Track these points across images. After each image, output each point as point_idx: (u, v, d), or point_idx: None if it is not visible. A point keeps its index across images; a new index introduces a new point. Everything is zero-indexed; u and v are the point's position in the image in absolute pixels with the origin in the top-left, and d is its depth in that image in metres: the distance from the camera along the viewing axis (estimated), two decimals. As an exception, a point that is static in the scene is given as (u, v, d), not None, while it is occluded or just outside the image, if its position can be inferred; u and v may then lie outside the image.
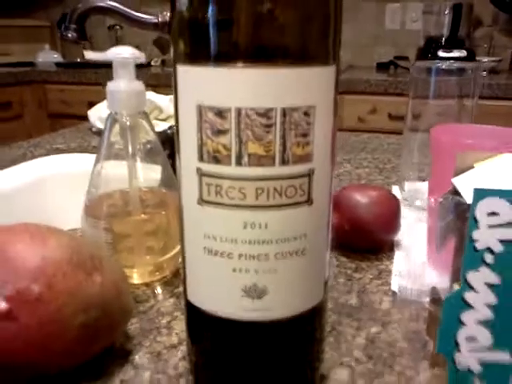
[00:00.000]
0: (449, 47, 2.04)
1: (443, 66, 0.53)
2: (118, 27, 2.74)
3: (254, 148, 0.22)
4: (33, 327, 0.26)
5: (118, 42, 2.69)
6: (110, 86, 0.40)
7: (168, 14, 0.59)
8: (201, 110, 0.22)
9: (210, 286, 0.25)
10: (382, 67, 2.28)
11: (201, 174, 0.23)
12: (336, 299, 0.40)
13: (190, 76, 0.22)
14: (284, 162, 0.22)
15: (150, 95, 0.90)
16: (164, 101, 0.90)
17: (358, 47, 2.42)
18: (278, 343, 0.26)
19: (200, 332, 0.28)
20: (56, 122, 2.48)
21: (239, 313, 0.25)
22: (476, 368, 0.24)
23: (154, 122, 0.87)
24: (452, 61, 0.55)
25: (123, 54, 0.39)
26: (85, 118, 1.22)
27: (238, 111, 0.21)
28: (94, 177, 0.42)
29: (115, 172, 0.42)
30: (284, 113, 0.22)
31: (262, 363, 0.27)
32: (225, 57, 0.21)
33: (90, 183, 0.43)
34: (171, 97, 0.79)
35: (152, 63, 2.50)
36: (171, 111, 0.92)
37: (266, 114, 0.21)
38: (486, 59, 2.03)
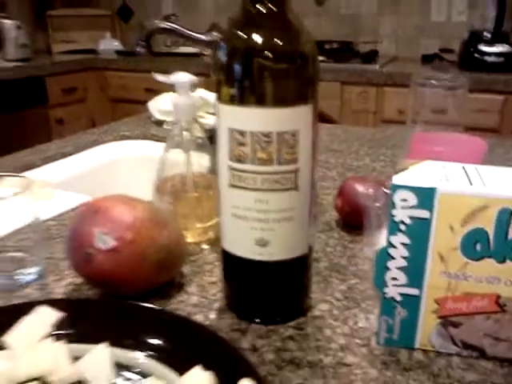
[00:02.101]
0: (492, 41, 2.08)
1: (435, 83, 0.66)
2: (173, 17, 2.91)
3: (261, 154, 0.37)
4: (129, 258, 0.43)
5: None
6: (175, 100, 0.56)
7: (214, 34, 0.75)
8: (231, 131, 0.38)
9: (235, 238, 0.41)
10: (426, 59, 2.33)
11: (230, 168, 0.39)
12: (331, 260, 0.55)
13: (225, 110, 0.38)
14: (279, 163, 0.38)
15: (201, 92, 1.06)
16: (212, 97, 1.06)
17: (402, 39, 2.47)
18: (277, 276, 0.42)
19: (229, 267, 0.44)
20: (115, 106, 2.70)
21: (252, 255, 0.41)
22: (397, 297, 0.39)
23: (204, 114, 1.02)
24: (445, 78, 0.68)
25: (183, 78, 0.55)
26: (140, 102, 1.39)
27: (252, 132, 0.37)
28: (161, 162, 0.59)
29: (176, 159, 0.59)
30: (278, 134, 0.37)
31: (267, 290, 0.42)
32: (245, 101, 0.37)
33: (159, 167, 0.59)
34: None
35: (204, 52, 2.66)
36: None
37: (267, 134, 0.37)
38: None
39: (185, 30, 0.75)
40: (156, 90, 2.48)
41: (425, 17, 2.41)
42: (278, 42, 0.37)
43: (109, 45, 2.87)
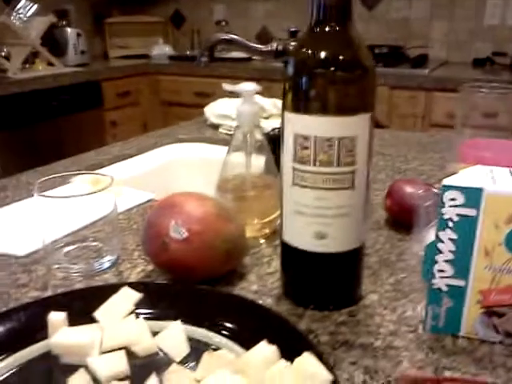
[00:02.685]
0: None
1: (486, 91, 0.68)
2: (223, 23, 2.99)
3: (322, 157, 0.42)
4: (199, 248, 0.48)
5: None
6: (239, 107, 0.61)
7: (273, 45, 0.80)
8: (296, 136, 0.43)
9: (295, 231, 0.46)
10: (478, 63, 2.31)
11: (293, 169, 0.44)
12: (381, 256, 0.58)
13: (291, 117, 0.43)
14: (339, 165, 0.42)
15: (256, 98, 1.12)
16: (267, 103, 1.11)
17: (454, 43, 2.44)
18: (332, 267, 0.46)
19: (288, 257, 0.48)
20: (167, 109, 2.80)
21: (310, 247, 0.45)
22: (444, 288, 0.42)
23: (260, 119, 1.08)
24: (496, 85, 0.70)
25: (248, 87, 0.61)
26: (191, 105, 1.43)
27: (315, 137, 0.41)
28: (224, 164, 0.64)
29: (238, 161, 0.64)
30: (339, 139, 0.41)
31: (322, 279, 0.47)
32: (310, 109, 0.42)
33: (222, 168, 0.64)
34: (273, 100, 1.03)
35: (254, 57, 2.72)
36: (272, 111, 1.13)
37: (329, 139, 0.41)
38: None
39: (245, 41, 0.80)
40: (206, 93, 2.57)
41: (478, 20, 2.38)
42: (341, 57, 0.42)
43: (161, 50, 2.98)
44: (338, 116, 0.41)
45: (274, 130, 0.79)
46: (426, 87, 2.00)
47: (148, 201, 0.76)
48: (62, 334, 0.40)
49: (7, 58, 2.30)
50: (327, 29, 0.42)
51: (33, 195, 0.58)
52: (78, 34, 2.64)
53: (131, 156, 1.06)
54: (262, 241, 0.62)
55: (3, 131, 2.13)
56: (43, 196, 0.57)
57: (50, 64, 2.49)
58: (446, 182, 0.40)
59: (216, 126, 1.20)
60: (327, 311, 0.47)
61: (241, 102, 0.63)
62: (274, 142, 0.66)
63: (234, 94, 0.70)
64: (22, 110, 2.21)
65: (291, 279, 0.49)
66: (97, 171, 0.95)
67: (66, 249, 0.60)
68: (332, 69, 0.41)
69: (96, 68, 2.67)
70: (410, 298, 0.49)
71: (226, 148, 0.65)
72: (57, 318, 0.41)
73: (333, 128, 0.41)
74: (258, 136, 0.64)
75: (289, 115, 0.43)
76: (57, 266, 0.57)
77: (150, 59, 2.90)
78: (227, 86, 0.64)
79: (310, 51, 0.42)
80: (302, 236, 0.45)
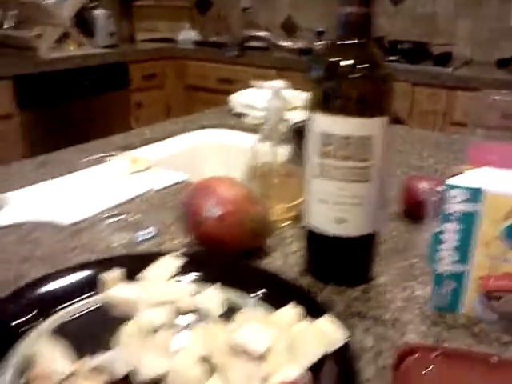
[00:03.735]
0: None
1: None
2: (250, 10, 3.03)
3: (342, 152, 0.48)
4: (230, 225, 0.55)
5: (250, 23, 2.98)
6: (268, 102, 0.67)
7: (298, 43, 0.85)
8: (320, 134, 0.48)
9: (318, 216, 0.52)
10: (502, 64, 2.31)
11: (317, 163, 0.50)
12: (394, 243, 0.64)
13: (316, 117, 0.49)
14: (357, 160, 0.48)
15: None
16: (291, 95, 1.16)
17: (478, 42, 2.45)
18: (349, 249, 0.52)
19: (311, 239, 0.54)
20: (191, 94, 2.86)
21: (331, 231, 0.51)
22: (447, 273, 0.48)
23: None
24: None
25: (276, 84, 0.66)
26: (215, 91, 1.46)
27: (337, 135, 0.47)
28: (253, 152, 0.70)
29: (265, 150, 0.70)
30: (358, 138, 0.47)
31: (340, 259, 0.53)
32: (333, 110, 0.47)
33: (250, 156, 0.70)
34: (297, 92, 1.09)
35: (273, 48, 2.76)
36: (296, 103, 1.18)
37: (348, 137, 0.47)
38: None
39: (272, 39, 0.86)
40: (230, 80, 2.63)
41: (503, 20, 2.38)
42: (364, 66, 0.48)
43: (187, 35, 3.03)
44: (358, 118, 0.47)
45: (298, 123, 0.85)
46: (449, 85, 2.03)
47: (181, 181, 0.82)
48: (115, 289, 0.47)
49: (39, 37, 2.37)
50: (351, 41, 0.48)
51: (75, 171, 0.65)
52: (108, 16, 2.70)
53: (160, 139, 1.12)
54: (285, 224, 0.68)
55: (33, 109, 2.21)
56: (89, 172, 0.64)
57: (80, 44, 2.56)
58: (450, 181, 0.46)
59: (241, 115, 1.26)
60: (343, 287, 0.53)
61: (269, 97, 0.69)
62: (298, 134, 0.72)
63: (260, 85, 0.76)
64: (52, 88, 2.28)
65: (313, 258, 0.56)
66: (129, 152, 1.02)
67: (109, 221, 0.67)
68: (355, 76, 0.47)
69: (124, 50, 2.73)
70: (419, 280, 0.55)
71: (251, 135, 0.71)
72: (111, 276, 0.48)
73: (353, 128, 0.47)
74: (284, 129, 0.70)
75: (315, 115, 0.49)
76: (100, 236, 0.64)
77: (176, 43, 2.95)
78: (255, 83, 0.70)
79: (336, 59, 0.48)
80: (323, 221, 0.52)
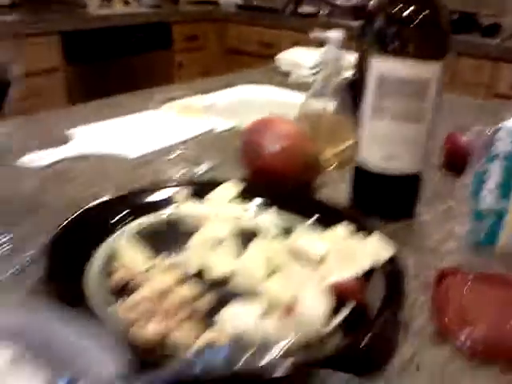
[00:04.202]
0: None
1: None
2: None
3: (399, 94, 0.52)
4: (285, 159, 0.59)
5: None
6: (325, 53, 0.71)
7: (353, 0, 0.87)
8: (377, 76, 0.52)
9: (369, 154, 0.56)
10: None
11: (373, 105, 0.53)
12: (436, 187, 0.67)
13: (374, 61, 0.52)
14: (411, 102, 0.52)
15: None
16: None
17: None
18: (395, 185, 0.57)
19: (359, 176, 0.59)
20: (231, 57, 2.88)
21: (381, 167, 0.55)
22: (487, 209, 0.52)
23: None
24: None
25: (334, 35, 0.70)
26: (256, 55, 1.47)
27: (394, 77, 0.51)
28: (305, 102, 0.74)
29: (316, 102, 0.74)
30: (414, 80, 0.51)
31: (387, 194, 0.57)
32: (391, 53, 0.51)
33: (301, 105, 0.74)
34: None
35: (320, 12, 2.74)
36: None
37: (405, 80, 0.51)
38: None
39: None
40: (271, 44, 2.64)
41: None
42: (424, 12, 0.51)
43: (230, -2, 3.03)
44: (416, 60, 0.51)
45: (348, 77, 0.88)
46: (494, 56, 2.00)
47: (232, 127, 0.87)
48: (185, 206, 0.53)
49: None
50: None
51: (132, 113, 0.69)
52: (153, -25, 2.73)
53: (207, 92, 1.17)
54: (332, 167, 0.72)
55: (79, 64, 2.28)
56: (146, 115, 0.69)
57: (126, 3, 2.60)
58: (499, 125, 0.49)
59: (287, 74, 1.29)
60: (388, 220, 0.57)
61: (327, 47, 0.72)
62: (351, 85, 0.76)
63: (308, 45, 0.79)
64: (99, 45, 2.34)
65: (361, 194, 0.60)
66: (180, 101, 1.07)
67: (169, 156, 0.73)
68: (414, 20, 0.50)
69: (167, 10, 2.76)
70: (458, 220, 0.59)
71: (297, 92, 0.75)
72: (181, 195, 0.54)
73: (410, 70, 0.51)
74: (337, 80, 0.74)
75: (373, 58, 0.53)
76: (161, 168, 0.70)
77: (219, 6, 2.96)
78: (314, 33, 0.73)
79: (397, 5, 0.51)
80: (374, 158, 0.56)
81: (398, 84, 0.51)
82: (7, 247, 0.48)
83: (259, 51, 2.62)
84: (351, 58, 1.11)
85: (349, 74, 0.91)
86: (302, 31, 2.42)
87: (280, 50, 1.35)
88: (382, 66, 0.52)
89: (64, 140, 0.78)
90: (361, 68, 0.58)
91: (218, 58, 2.93)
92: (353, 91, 0.79)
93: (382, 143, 0.54)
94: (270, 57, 1.36)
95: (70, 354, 0.32)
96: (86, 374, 0.31)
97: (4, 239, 0.48)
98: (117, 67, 2.44)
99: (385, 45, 0.52)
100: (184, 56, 2.79)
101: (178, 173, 0.68)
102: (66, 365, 0.31)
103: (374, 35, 0.53)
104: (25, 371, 0.31)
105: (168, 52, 2.69)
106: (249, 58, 2.70)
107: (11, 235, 0.50)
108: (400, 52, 0.51)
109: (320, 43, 1.00)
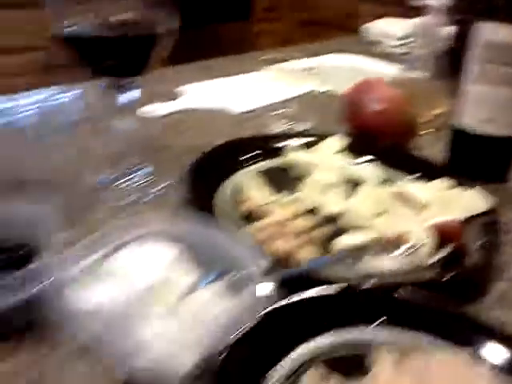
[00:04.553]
0: None
1: None
2: None
3: (504, 58, 0.55)
4: (385, 118, 0.64)
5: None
6: (425, 20, 0.74)
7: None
8: (484, 41, 0.55)
9: (470, 117, 0.59)
10: None
11: (479, 69, 0.57)
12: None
13: (481, 26, 0.55)
14: (520, 66, 0.55)
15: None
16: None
17: None
18: (495, 148, 0.60)
19: (457, 138, 0.62)
20: (310, 28, 2.88)
21: (477, 132, 0.59)
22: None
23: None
24: None
25: (436, 1, 0.73)
26: (334, 27, 1.47)
27: (501, 42, 0.54)
28: (398, 70, 0.78)
29: (409, 68, 0.77)
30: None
31: (485, 158, 0.61)
32: (497, 18, 0.54)
33: (395, 73, 0.78)
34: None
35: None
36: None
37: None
38: None
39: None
40: (354, 14, 2.59)
41: None
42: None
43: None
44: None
45: (446, 43, 0.90)
46: None
47: (326, 91, 0.92)
48: (296, 154, 0.59)
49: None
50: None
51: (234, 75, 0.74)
52: None
53: (295, 59, 1.21)
54: (427, 131, 0.76)
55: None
56: (248, 76, 0.76)
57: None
58: None
59: (372, 44, 1.30)
60: (482, 182, 0.61)
61: (424, 17, 0.75)
62: (448, 53, 0.79)
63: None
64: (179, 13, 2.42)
65: (457, 156, 0.64)
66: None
67: (272, 113, 0.79)
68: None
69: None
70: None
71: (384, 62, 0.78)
72: (292, 144, 0.60)
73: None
74: (434, 48, 0.77)
75: (479, 24, 0.56)
76: (265, 123, 0.76)
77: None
78: (415, 1, 0.77)
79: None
80: (474, 121, 0.59)
81: (504, 49, 0.55)
82: (150, 178, 0.56)
83: (339, 22, 2.61)
84: (449, 26, 1.12)
85: (445, 41, 0.93)
86: (385, 3, 2.39)
87: (360, 22, 1.36)
88: (488, 31, 0.55)
89: (173, 96, 0.86)
90: (461, 35, 0.62)
91: (295, 30, 2.95)
92: (450, 58, 0.82)
93: (483, 107, 0.58)
94: (350, 29, 1.37)
95: (222, 253, 0.39)
96: (234, 269, 0.38)
97: (147, 170, 0.57)
98: (196, 37, 2.52)
99: (494, 10, 0.55)
100: (262, 27, 2.83)
101: (281, 128, 0.74)
102: (217, 262, 0.39)
103: (483, 1, 0.56)
104: (184, 267, 0.39)
105: (245, 23, 2.74)
106: (327, 30, 2.69)
107: (151, 168, 0.58)
108: (506, 17, 0.54)
109: (410, 14, 1.03)
